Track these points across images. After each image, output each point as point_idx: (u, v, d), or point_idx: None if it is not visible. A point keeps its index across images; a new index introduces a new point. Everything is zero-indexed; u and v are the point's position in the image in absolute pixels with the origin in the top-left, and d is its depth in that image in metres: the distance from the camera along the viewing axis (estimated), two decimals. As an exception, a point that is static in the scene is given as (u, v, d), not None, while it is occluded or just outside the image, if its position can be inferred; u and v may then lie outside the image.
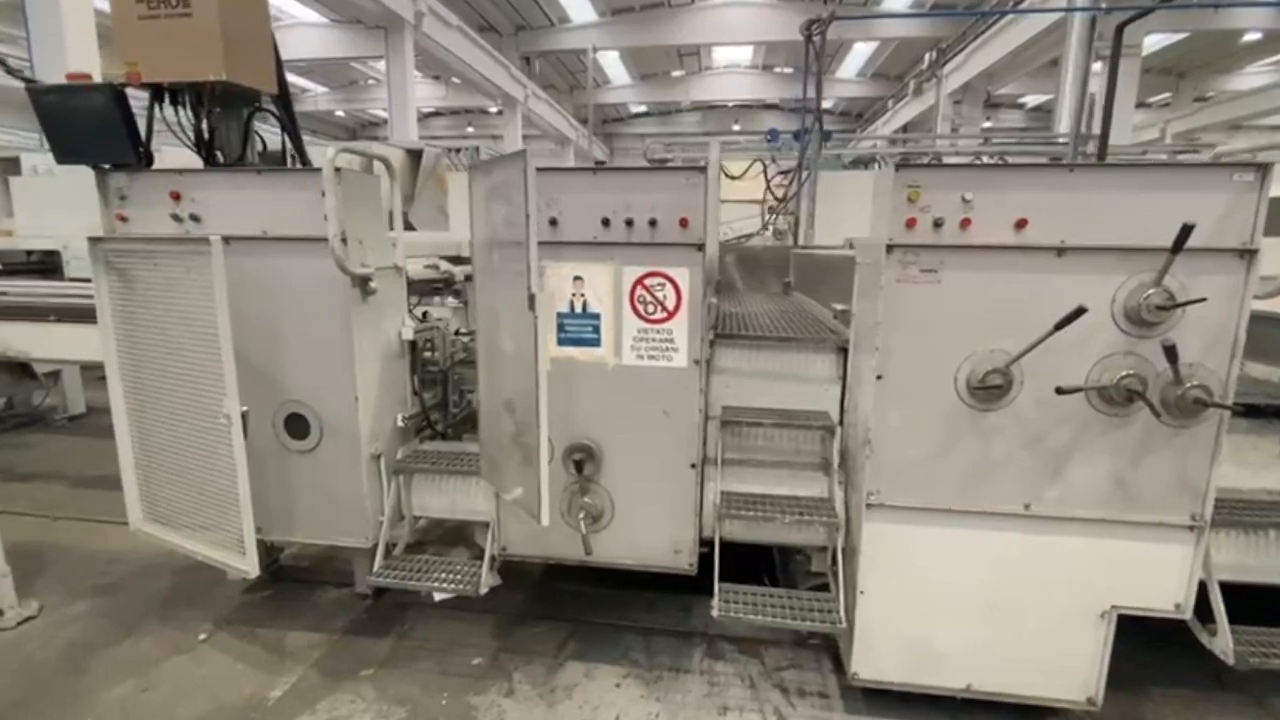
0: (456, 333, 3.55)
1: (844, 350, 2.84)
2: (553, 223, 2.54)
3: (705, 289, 2.49)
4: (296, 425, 2.94)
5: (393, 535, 3.05)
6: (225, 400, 2.59)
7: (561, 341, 2.65)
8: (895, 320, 2.17)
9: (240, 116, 2.89)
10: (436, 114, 27.38)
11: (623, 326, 2.59)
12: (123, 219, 2.86)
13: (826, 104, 28.89)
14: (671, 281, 2.52)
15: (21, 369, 6.00)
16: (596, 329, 2.60)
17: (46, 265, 6.24)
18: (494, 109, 22.97)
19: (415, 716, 2.60)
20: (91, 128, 2.68)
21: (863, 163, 12.61)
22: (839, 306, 2.88)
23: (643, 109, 29.54)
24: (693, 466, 2.66)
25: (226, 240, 2.62)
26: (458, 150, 7.52)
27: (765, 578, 3.31)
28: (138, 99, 2.73)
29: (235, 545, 2.74)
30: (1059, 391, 2.00)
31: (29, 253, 6.25)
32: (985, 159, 9.19)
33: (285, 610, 3.37)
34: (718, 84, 26.14)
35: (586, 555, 2.66)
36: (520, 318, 2.17)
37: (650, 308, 2.56)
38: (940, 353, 2.18)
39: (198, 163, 2.91)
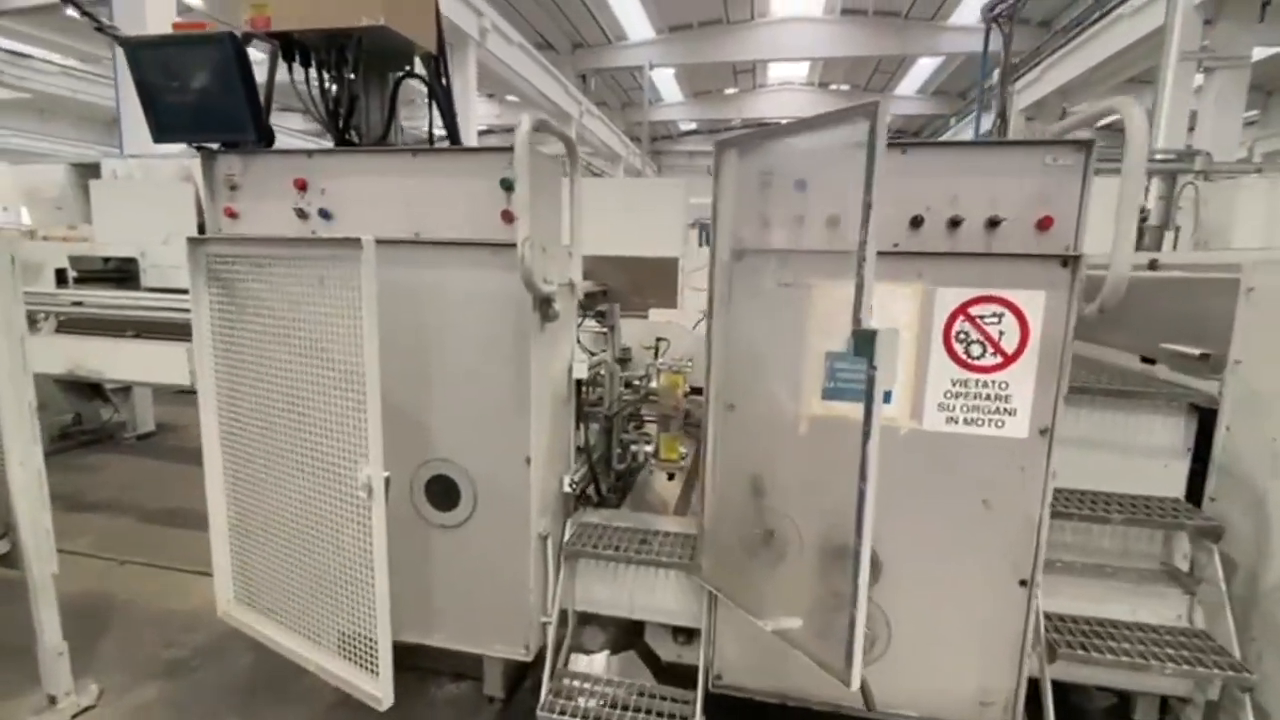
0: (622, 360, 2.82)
1: (1199, 411, 2.02)
2: (831, 223, 1.78)
3: (1069, 323, 1.69)
4: (442, 491, 2.21)
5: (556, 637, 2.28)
6: (364, 463, 1.88)
7: (829, 392, 1.86)
8: None
9: (386, 83, 2.22)
10: (490, 131, 27.33)
11: (928, 374, 1.81)
12: (232, 214, 2.19)
13: (881, 123, 28.29)
14: (1014, 311, 1.73)
15: (93, 388, 5.49)
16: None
17: (124, 273, 5.84)
18: (546, 125, 22.67)
19: None
20: (201, 93, 2.02)
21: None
22: (1184, 349, 2.07)
23: (692, 126, 29.09)
24: (1022, 583, 1.83)
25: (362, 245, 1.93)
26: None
27: None
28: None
29: (361, 657, 2.00)
30: None
31: (106, 260, 5.82)
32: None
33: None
34: (770, 101, 25.56)
35: (868, 711, 1.83)
36: (799, 359, 1.42)
37: (976, 349, 1.77)
38: None
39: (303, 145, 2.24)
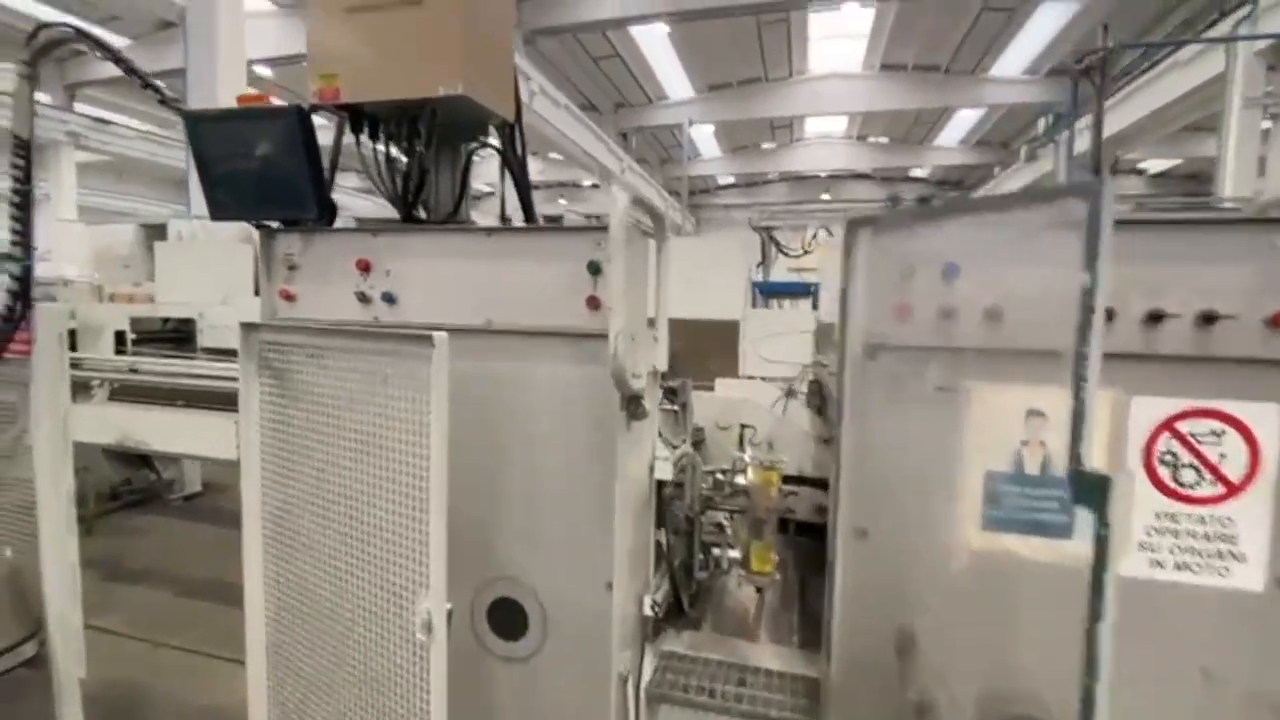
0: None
1: None
2: (991, 315, 1.47)
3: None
4: (507, 617, 1.89)
5: (635, 797, 1.90)
6: (423, 593, 1.58)
7: (992, 521, 1.51)
8: None
9: (459, 153, 2.03)
10: (534, 188, 28.08)
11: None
12: (289, 297, 2.00)
13: (920, 172, 28.05)
14: (1240, 428, 1.37)
15: (141, 458, 5.44)
16: (1066, 505, 1.46)
17: (181, 333, 5.90)
18: (588, 182, 23.19)
19: None
20: (262, 169, 1.85)
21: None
22: None
23: (730, 180, 29.41)
24: (1263, 779, 1.41)
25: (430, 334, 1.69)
26: (597, 218, 6.80)
27: None
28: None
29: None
30: None
31: (165, 320, 5.89)
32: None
33: None
34: (809, 155, 25.71)
35: None
36: (953, 478, 1.08)
37: (1188, 474, 1.41)
38: None
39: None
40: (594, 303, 1.73)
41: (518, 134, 2.10)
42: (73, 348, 5.15)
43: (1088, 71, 4.38)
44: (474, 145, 2.05)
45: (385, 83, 1.74)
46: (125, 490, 5.98)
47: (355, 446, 1.75)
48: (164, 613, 4.20)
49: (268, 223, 1.99)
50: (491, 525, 1.91)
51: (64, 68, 16.82)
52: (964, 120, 22.47)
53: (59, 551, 2.30)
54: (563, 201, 27.71)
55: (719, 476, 2.36)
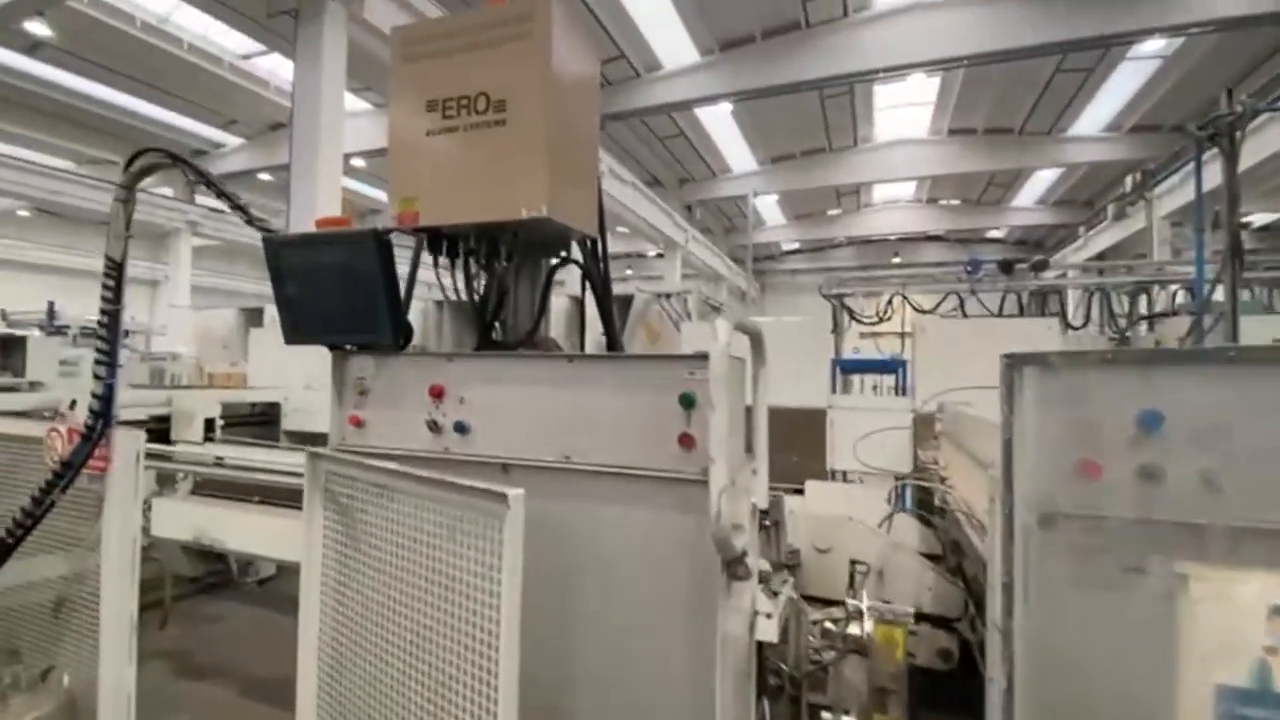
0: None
1: None
2: (1208, 481, 1.13)
3: None
4: (584, 811, 1.59)
5: None
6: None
7: (1232, 753, 1.13)
8: None
9: (539, 269, 1.91)
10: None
11: None
12: (358, 423, 1.88)
13: (998, 233, 27.03)
14: None
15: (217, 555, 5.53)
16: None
17: (267, 417, 6.08)
18: (652, 253, 23.62)
19: None
20: (339, 292, 1.78)
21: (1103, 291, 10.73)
22: None
23: (795, 246, 29.32)
24: None
25: (505, 468, 1.50)
26: (668, 296, 6.71)
27: None
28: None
29: None
30: None
31: (252, 405, 6.11)
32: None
33: None
34: (877, 219, 25.39)
35: None
36: (1165, 689, 0.73)
37: None
38: None
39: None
40: (687, 441, 1.50)
41: (600, 248, 1.96)
42: (167, 433, 5.38)
43: (1214, 137, 3.98)
44: (555, 262, 1.92)
45: (466, 206, 1.64)
46: (202, 574, 6.06)
47: (419, 592, 1.55)
48: (227, 714, 4.07)
49: (343, 346, 1.90)
50: (564, 690, 1.64)
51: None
52: (1042, 180, 21.68)
53: (117, 684, 2.18)
54: (629, 272, 28.31)
55: (828, 625, 2.01)
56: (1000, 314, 11.93)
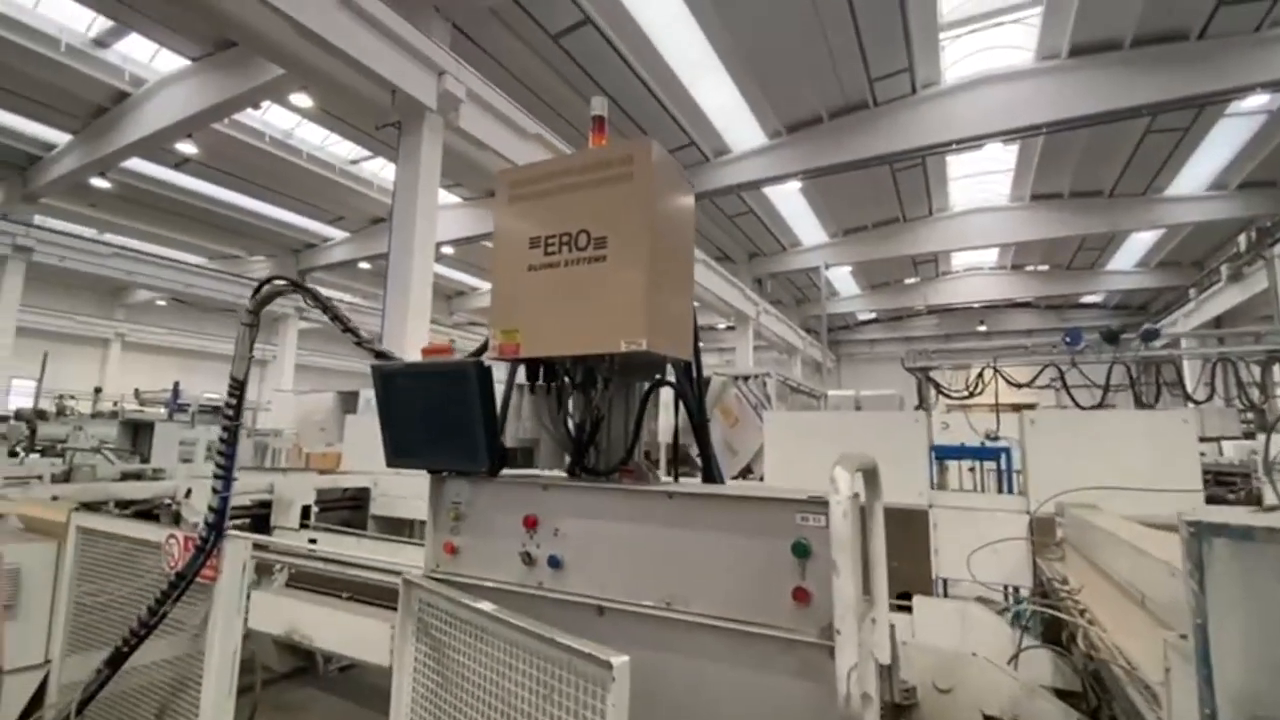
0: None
1: None
2: None
3: None
4: None
5: None
6: None
7: None
8: None
9: (634, 396, 1.88)
10: (666, 332, 29.25)
11: None
12: (452, 550, 1.86)
13: (1094, 298, 25.38)
14: None
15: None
16: None
17: (358, 501, 6.32)
18: (723, 325, 23.65)
19: None
20: (440, 420, 1.81)
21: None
22: None
23: (871, 316, 28.59)
24: None
25: (600, 610, 1.41)
26: (746, 378, 6.59)
27: None
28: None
29: None
30: None
31: (344, 490, 6.38)
32: None
33: None
34: (958, 287, 24.50)
35: None
36: None
37: None
38: None
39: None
40: (802, 596, 1.37)
41: (695, 369, 1.92)
42: (267, 520, 5.65)
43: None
44: (650, 386, 1.90)
45: (566, 338, 1.65)
46: (290, 670, 6.17)
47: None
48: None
49: (440, 471, 1.92)
50: None
51: (299, 256, 20.92)
52: (1141, 242, 20.42)
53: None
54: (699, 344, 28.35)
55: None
56: (1107, 387, 10.99)
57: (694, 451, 3.51)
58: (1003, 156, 15.52)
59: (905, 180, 16.62)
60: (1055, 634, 2.95)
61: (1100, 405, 8.48)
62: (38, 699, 2.97)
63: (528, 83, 11.68)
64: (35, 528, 3.31)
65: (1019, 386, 10.37)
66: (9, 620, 2.85)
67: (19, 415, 9.46)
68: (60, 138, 13.69)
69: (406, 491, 6.03)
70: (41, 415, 9.54)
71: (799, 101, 13.15)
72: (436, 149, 8.97)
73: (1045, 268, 23.10)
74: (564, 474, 1.92)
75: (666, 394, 2.05)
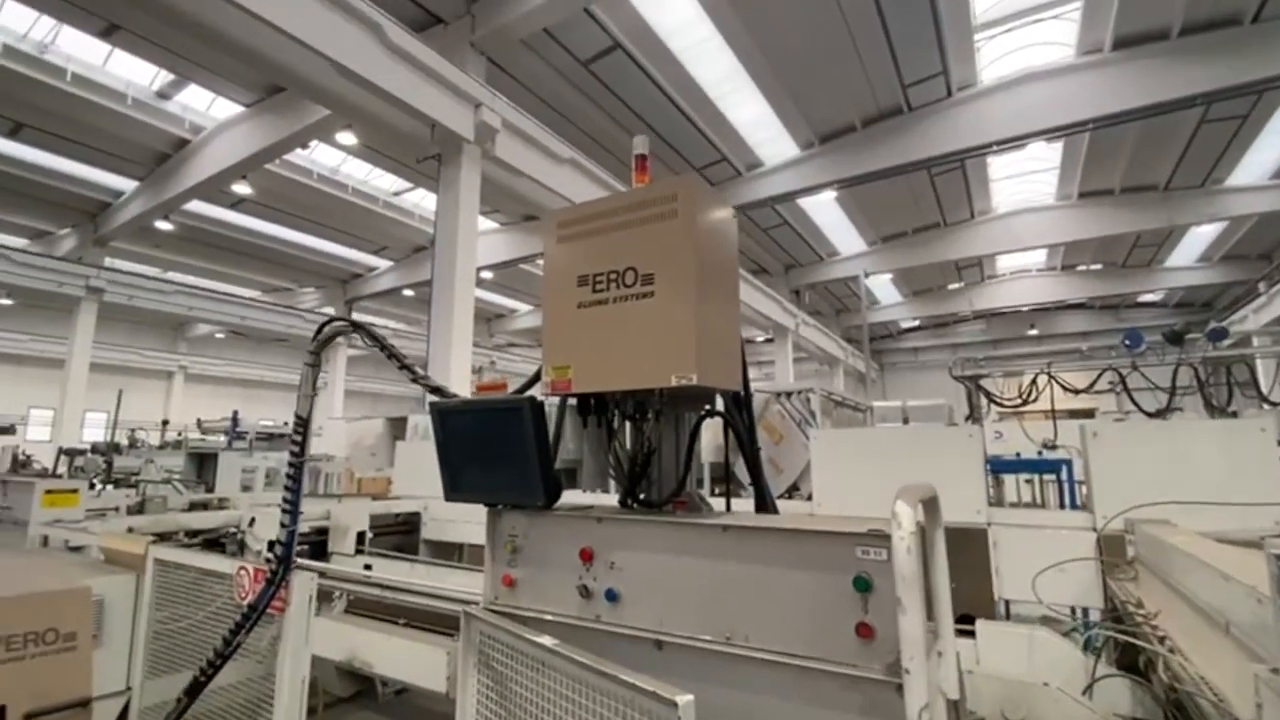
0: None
1: None
2: None
3: None
4: None
5: None
6: None
7: None
8: None
9: (684, 427, 1.90)
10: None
11: None
12: (510, 583, 1.90)
13: (1152, 296, 24.22)
14: None
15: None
16: None
17: (409, 525, 6.48)
18: (761, 338, 23.45)
19: None
20: (496, 455, 1.85)
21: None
22: None
23: (915, 323, 27.92)
24: None
25: (659, 644, 1.41)
26: (789, 394, 6.52)
27: None
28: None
29: None
30: None
31: (396, 515, 6.55)
32: None
33: None
34: (1005, 290, 23.73)
35: None
36: None
37: None
38: None
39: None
40: (866, 632, 1.35)
41: (744, 397, 1.93)
42: (325, 546, 5.82)
43: None
44: (700, 416, 1.91)
45: (617, 374, 1.68)
46: (350, 695, 6.32)
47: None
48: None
49: (495, 504, 1.96)
50: None
51: (346, 287, 21.70)
52: (1201, 236, 19.45)
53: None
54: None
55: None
56: (1173, 390, 10.41)
57: (741, 473, 3.49)
58: (1047, 155, 15.06)
59: (945, 184, 16.28)
60: (1130, 659, 2.80)
61: (1167, 409, 8.07)
62: (120, 724, 3.13)
63: (560, 109, 11.95)
64: (115, 559, 3.51)
65: (1076, 392, 9.95)
66: (95, 649, 3.01)
67: (95, 449, 10.04)
68: (127, 185, 14.62)
69: (456, 516, 6.16)
70: (116, 448, 10.09)
71: (831, 111, 13.07)
72: (475, 178, 9.24)
73: (1098, 267, 22.20)
74: (614, 502, 1.95)
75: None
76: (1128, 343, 10.15)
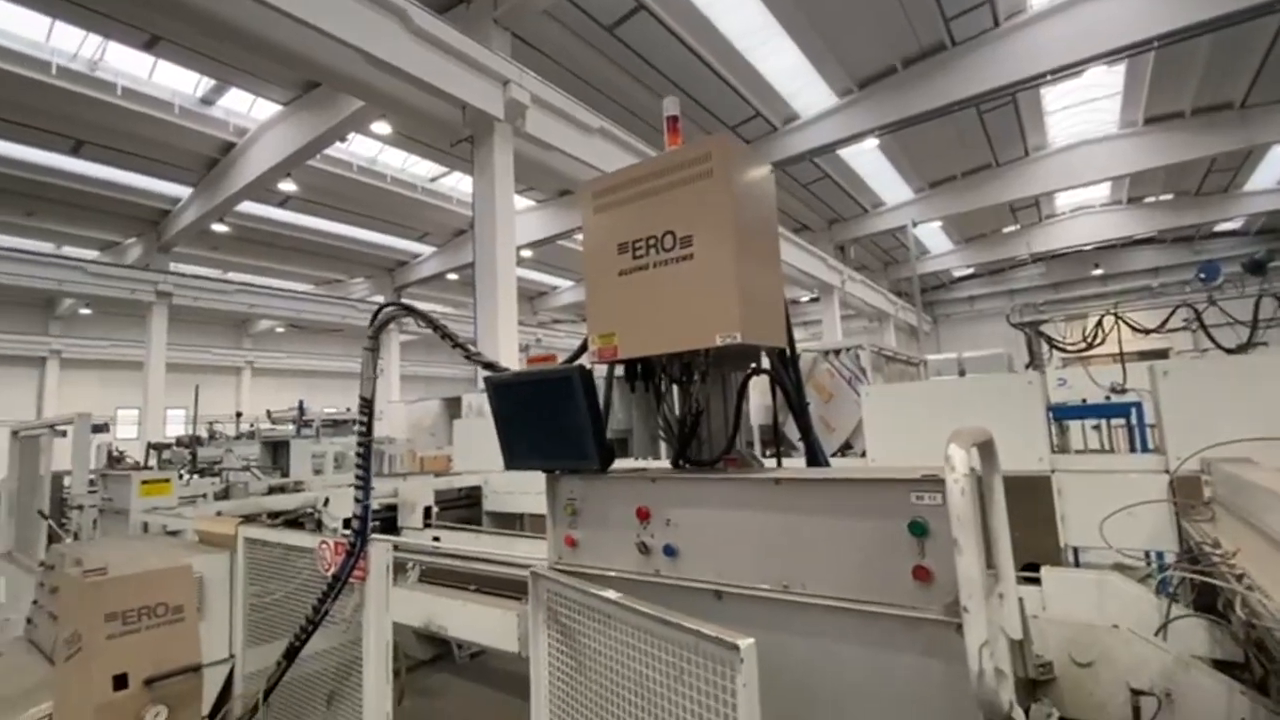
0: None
1: None
2: None
3: None
4: None
5: None
6: None
7: None
8: None
9: (730, 386, 1.92)
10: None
11: None
12: (572, 543, 1.98)
13: (1232, 225, 22.49)
14: None
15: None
16: None
17: (471, 499, 6.77)
18: (806, 298, 23.00)
19: None
20: (550, 423, 1.92)
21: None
22: None
23: (969, 271, 26.82)
24: None
25: (718, 595, 1.46)
26: (837, 352, 6.42)
27: None
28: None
29: None
30: None
31: (460, 490, 6.84)
32: None
33: None
34: (1066, 230, 22.46)
35: None
36: None
37: None
38: None
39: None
40: (923, 574, 1.37)
41: (790, 353, 1.93)
42: (395, 522, 6.14)
43: None
44: (747, 373, 1.92)
45: (662, 338, 1.70)
46: (429, 657, 6.71)
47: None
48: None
49: (553, 470, 2.04)
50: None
51: (394, 275, 22.29)
52: (1284, 155, 17.85)
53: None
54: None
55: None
56: (1255, 324, 9.74)
57: (790, 432, 3.48)
58: (1108, 80, 14.02)
59: (995, 121, 15.40)
60: (1208, 602, 2.71)
61: (1248, 344, 7.57)
62: (227, 688, 3.45)
63: (586, 78, 11.81)
64: (209, 540, 3.80)
65: (1146, 333, 9.42)
66: (200, 622, 3.31)
67: (179, 442, 10.78)
68: (183, 191, 15.32)
69: (515, 488, 6.38)
70: (199, 441, 10.81)
71: (869, 54, 12.48)
72: (508, 156, 9.29)
73: (1169, 197, 20.72)
74: (666, 464, 1.99)
75: (759, 376, 2.08)
76: (1203, 276, 9.49)
